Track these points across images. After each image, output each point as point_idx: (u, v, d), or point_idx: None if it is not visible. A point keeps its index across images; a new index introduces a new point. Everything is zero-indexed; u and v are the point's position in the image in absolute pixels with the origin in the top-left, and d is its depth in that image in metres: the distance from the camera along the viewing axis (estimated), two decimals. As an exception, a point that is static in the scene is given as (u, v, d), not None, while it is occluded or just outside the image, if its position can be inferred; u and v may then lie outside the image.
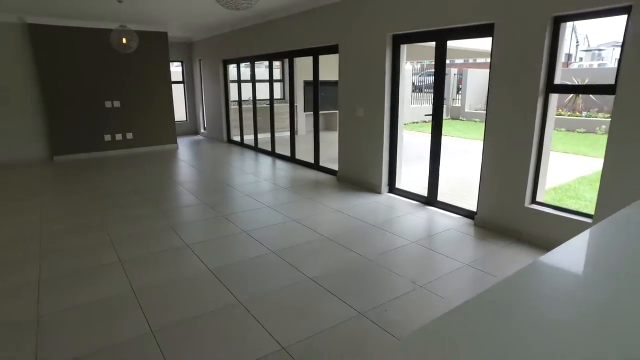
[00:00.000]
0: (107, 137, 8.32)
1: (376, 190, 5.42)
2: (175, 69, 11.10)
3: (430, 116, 4.76)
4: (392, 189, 5.40)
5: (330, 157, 7.38)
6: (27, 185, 6.01)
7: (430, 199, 4.88)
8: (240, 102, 9.21)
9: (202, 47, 10.21)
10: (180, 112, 11.29)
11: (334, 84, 12.17)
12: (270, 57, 7.66)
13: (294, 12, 6.41)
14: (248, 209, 4.81)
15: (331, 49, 5.95)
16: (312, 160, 6.99)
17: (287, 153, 7.70)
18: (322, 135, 10.49)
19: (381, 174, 5.34)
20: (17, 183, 6.16)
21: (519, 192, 3.80)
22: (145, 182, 6.12)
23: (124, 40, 6.02)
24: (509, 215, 3.92)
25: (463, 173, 6.80)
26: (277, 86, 11.53)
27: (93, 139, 8.19)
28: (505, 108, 3.78)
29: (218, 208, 4.86)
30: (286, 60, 10.91)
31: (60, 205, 5.02)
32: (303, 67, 10.72)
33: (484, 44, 7.97)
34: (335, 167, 6.47)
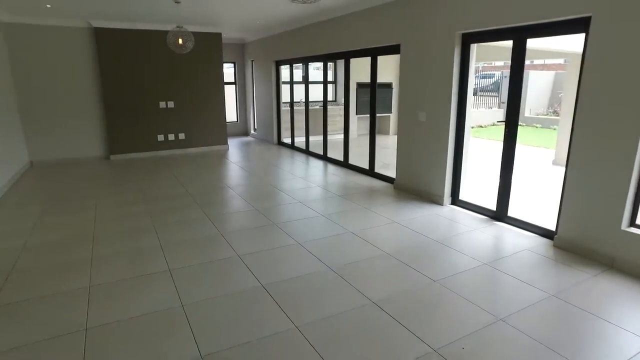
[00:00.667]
0: (160, 137, 8.41)
1: (437, 201, 5.01)
2: (227, 70, 11.13)
3: (503, 123, 4.30)
4: (455, 200, 4.97)
5: (382, 163, 7.03)
6: (82, 185, 6.10)
7: (500, 214, 4.42)
8: (292, 103, 9.05)
9: (254, 48, 10.16)
10: (231, 113, 11.31)
11: (384, 86, 11.79)
12: (325, 58, 7.42)
13: (354, 10, 6.11)
14: (301, 218, 4.56)
15: (391, 49, 5.60)
16: (366, 166, 6.67)
17: (340, 157, 7.42)
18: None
19: (444, 184, 4.93)
20: (75, 181, 6.28)
21: (614, 212, 3.29)
22: (195, 184, 6.05)
23: (180, 41, 5.97)
24: (600, 238, 3.41)
25: (530, 184, 6.21)
26: (328, 88, 11.29)
27: (147, 138, 8.29)
28: (601, 114, 3.28)
29: (270, 215, 4.65)
30: (339, 62, 10.66)
31: (113, 206, 5.01)
32: (355, 68, 10.44)
33: (552, 42, 7.28)
34: (390, 174, 6.11)
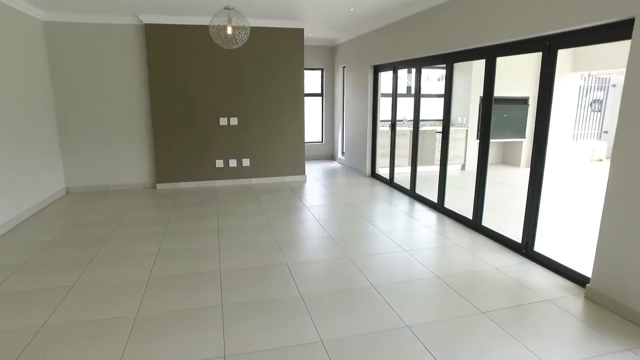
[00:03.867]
0: (219, 163, 6.51)
1: None
2: (313, 79, 9.06)
3: None
4: None
5: (512, 216, 4.26)
6: (101, 233, 4.28)
7: None
8: (393, 122, 6.57)
9: (347, 50, 7.92)
10: (315, 131, 9.21)
11: (515, 102, 8.74)
12: (448, 59, 4.85)
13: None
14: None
15: (595, 34, 2.90)
16: (512, 234, 3.94)
17: (465, 210, 4.77)
18: (497, 172, 7.37)
19: None
20: (97, 221, 4.52)
21: None
22: (254, 241, 3.93)
23: (230, 30, 3.91)
24: None
25: None
26: (437, 102, 8.64)
27: (202, 164, 6.45)
28: None
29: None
30: (459, 69, 7.91)
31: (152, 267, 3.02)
32: (477, 76, 7.70)
33: None
34: (560, 256, 3.35)
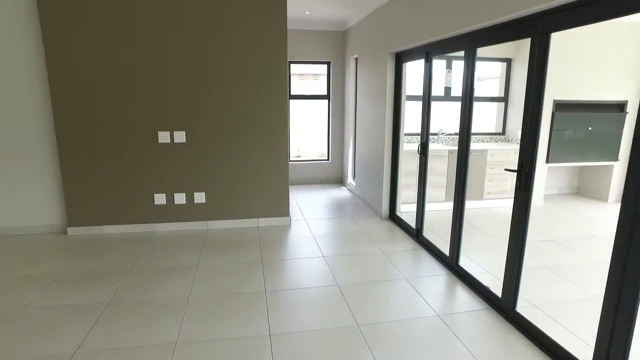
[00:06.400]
0: (159, 199, 4.35)
1: None
2: (316, 75, 6.85)
3: None
4: None
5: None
6: None
7: None
8: (425, 137, 4.09)
9: (359, 34, 5.62)
10: (318, 145, 6.96)
11: (604, 107, 5.96)
12: (533, 26, 2.45)
13: None
14: None
15: None
16: None
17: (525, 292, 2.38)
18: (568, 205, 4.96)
19: None
20: None
21: None
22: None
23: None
24: None
25: None
26: (484, 110, 6.19)
27: (135, 199, 4.31)
28: None
29: None
30: (516, 64, 5.42)
31: None
32: (552, 72, 5.25)
33: None
34: None
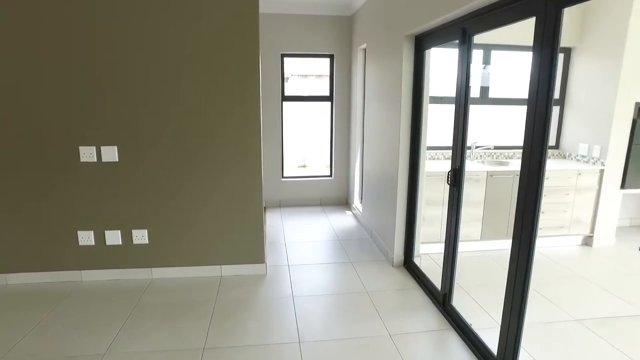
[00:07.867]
0: (85, 238, 3.16)
1: None
2: (317, 74, 5.63)
3: None
4: None
5: None
6: None
7: None
8: (459, 159, 2.74)
9: (368, 16, 4.33)
10: (320, 158, 5.70)
11: None
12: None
13: None
14: None
15: None
16: None
17: None
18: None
19: None
20: None
21: None
22: None
23: None
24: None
25: None
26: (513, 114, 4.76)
27: (54, 239, 3.13)
28: None
29: None
30: (620, 42, 3.75)
31: None
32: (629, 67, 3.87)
33: None
34: None
